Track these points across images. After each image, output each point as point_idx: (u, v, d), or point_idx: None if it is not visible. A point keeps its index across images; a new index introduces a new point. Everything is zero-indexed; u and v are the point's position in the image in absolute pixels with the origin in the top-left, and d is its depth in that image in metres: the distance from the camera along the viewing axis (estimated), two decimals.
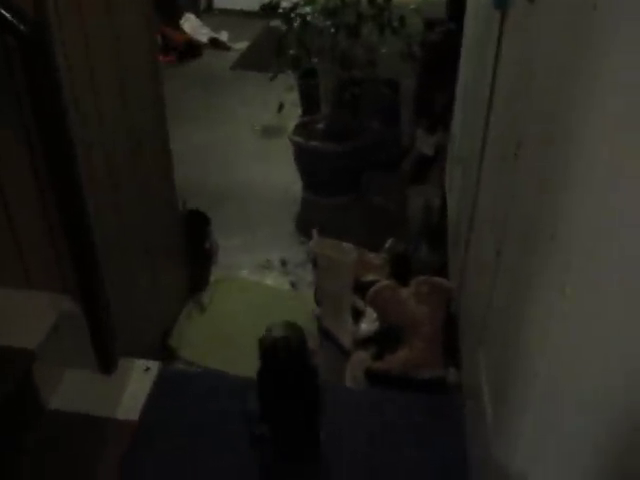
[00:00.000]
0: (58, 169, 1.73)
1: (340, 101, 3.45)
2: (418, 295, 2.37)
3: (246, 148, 4.18)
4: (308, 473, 1.78)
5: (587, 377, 1.01)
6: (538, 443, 1.15)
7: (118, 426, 1.89)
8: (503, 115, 1.73)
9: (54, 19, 1.60)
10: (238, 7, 6.57)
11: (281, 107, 3.52)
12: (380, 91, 3.62)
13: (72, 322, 1.96)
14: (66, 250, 1.85)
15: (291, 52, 3.30)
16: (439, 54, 3.29)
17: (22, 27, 1.51)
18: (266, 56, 3.67)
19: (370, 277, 2.57)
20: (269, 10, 3.36)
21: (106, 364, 2.05)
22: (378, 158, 3.63)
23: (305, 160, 3.57)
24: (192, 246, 2.84)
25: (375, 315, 2.43)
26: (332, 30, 3.19)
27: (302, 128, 3.59)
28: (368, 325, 2.44)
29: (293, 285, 2.94)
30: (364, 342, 2.42)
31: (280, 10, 3.32)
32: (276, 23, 3.36)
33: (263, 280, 2.98)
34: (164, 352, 2.44)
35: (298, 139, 3.49)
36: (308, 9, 3.24)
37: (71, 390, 1.98)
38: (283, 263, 3.07)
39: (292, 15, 3.25)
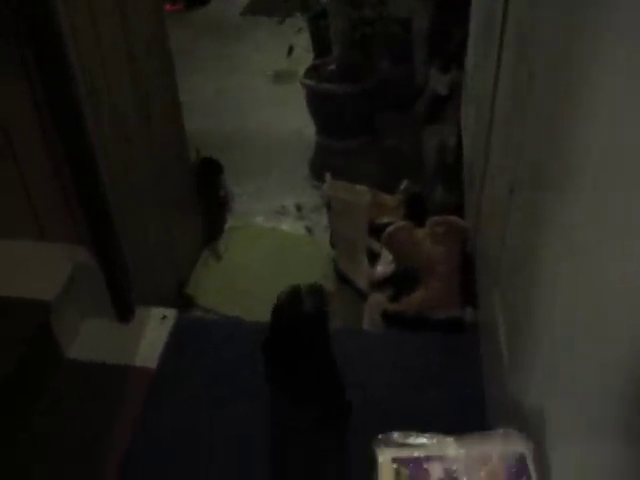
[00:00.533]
0: (65, 121, 1.73)
1: (351, 42, 3.38)
2: (434, 235, 2.35)
3: (258, 94, 4.13)
4: (325, 418, 1.78)
5: (601, 312, 1.00)
6: (552, 379, 1.15)
7: (136, 374, 1.92)
8: (515, 50, 1.68)
9: None
10: None
11: (291, 50, 3.46)
12: (392, 30, 3.53)
13: (88, 272, 1.97)
14: (78, 201, 1.86)
15: None
16: None
17: None
18: (276, 0, 3.60)
19: (385, 219, 2.55)
20: None
21: (123, 313, 2.07)
22: (391, 99, 3.57)
23: (317, 103, 3.52)
24: (206, 195, 2.83)
25: (391, 257, 2.42)
26: None
27: (313, 71, 3.53)
28: (384, 267, 2.43)
29: (309, 230, 2.93)
30: (380, 284, 2.41)
31: None
32: None
33: (278, 226, 2.97)
34: (181, 301, 2.45)
35: (309, 82, 3.43)
36: None
37: (89, 339, 2.00)
38: (298, 208, 3.05)
39: None
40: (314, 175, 3.29)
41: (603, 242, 0.96)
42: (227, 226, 2.93)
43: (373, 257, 2.51)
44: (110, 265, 1.98)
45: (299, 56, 3.60)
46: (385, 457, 1.12)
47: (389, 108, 3.60)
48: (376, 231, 2.53)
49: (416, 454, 1.11)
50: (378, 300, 2.35)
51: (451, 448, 1.11)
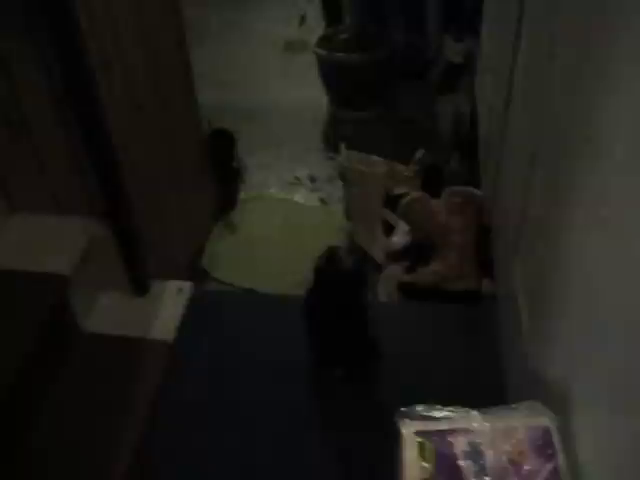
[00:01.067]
0: (77, 90, 1.71)
1: (363, 9, 3.33)
2: (450, 206, 2.33)
3: (271, 65, 4.08)
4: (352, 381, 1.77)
5: (625, 282, 0.98)
6: (578, 348, 1.13)
7: (153, 347, 1.92)
8: (535, 15, 1.65)
9: None
10: None
11: (302, 20, 3.42)
12: None
13: (103, 246, 1.96)
14: (92, 172, 1.84)
15: None
16: None
17: None
18: None
19: (401, 190, 2.52)
20: None
21: (139, 286, 2.07)
22: (405, 68, 3.53)
23: (330, 73, 3.48)
24: (219, 166, 2.81)
25: (407, 228, 2.40)
26: None
27: (326, 40, 3.48)
28: (400, 238, 2.41)
29: (323, 201, 2.92)
30: (396, 256, 2.39)
31: None
32: None
33: (292, 197, 2.96)
34: (196, 273, 2.45)
35: (322, 51, 3.39)
36: None
37: (106, 313, 2.00)
38: (312, 179, 3.04)
39: None
40: (328, 146, 3.26)
41: (632, 209, 0.93)
42: (241, 198, 2.92)
43: (389, 228, 2.49)
44: (125, 238, 1.98)
45: (312, 26, 3.56)
46: (408, 430, 1.10)
47: (403, 78, 3.55)
48: (391, 202, 2.51)
49: (440, 427, 1.10)
50: (394, 272, 2.33)
51: (476, 421, 1.09)
